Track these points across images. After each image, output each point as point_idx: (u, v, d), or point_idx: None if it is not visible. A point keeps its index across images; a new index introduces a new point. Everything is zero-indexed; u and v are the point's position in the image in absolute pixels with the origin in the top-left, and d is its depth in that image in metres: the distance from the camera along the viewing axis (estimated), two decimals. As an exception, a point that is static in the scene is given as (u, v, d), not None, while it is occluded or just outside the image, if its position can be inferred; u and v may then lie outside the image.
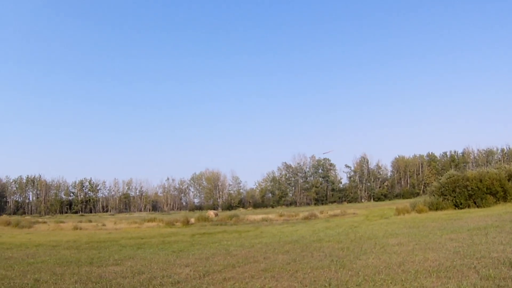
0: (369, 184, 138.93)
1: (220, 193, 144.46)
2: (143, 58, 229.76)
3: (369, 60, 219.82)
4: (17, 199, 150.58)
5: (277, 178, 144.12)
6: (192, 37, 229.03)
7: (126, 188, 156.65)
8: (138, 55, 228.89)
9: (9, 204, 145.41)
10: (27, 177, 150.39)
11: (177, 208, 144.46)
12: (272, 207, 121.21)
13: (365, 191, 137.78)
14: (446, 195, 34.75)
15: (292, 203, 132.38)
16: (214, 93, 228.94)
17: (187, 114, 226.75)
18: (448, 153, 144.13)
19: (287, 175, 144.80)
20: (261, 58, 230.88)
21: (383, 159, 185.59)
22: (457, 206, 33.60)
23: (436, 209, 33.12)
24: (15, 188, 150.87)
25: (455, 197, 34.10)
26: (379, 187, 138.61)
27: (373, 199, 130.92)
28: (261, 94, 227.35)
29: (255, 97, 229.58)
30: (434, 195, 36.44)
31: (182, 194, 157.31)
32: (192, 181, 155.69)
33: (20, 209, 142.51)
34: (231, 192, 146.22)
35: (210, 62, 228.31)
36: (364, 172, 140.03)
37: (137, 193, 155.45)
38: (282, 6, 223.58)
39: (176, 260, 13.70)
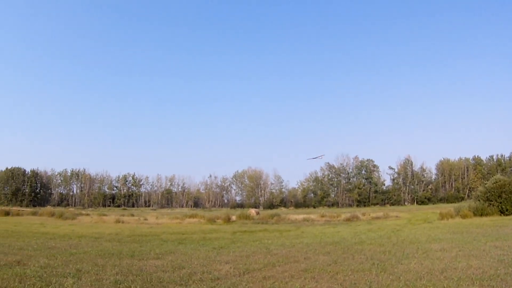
0: (412, 187, 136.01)
1: (262, 191, 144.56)
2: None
3: (416, 60, 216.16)
4: (61, 191, 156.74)
5: (320, 178, 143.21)
6: (251, 36, 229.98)
7: (169, 184, 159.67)
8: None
9: (54, 196, 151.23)
10: (72, 171, 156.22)
11: (219, 205, 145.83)
12: (314, 207, 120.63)
13: (408, 194, 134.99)
14: (491, 201, 33.80)
15: (334, 204, 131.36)
16: (259, 92, 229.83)
17: (230, 111, 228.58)
18: (494, 157, 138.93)
19: (330, 175, 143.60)
20: (302, 56, 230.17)
21: (427, 161, 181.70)
22: (502, 212, 32.65)
23: (481, 215, 32.36)
24: (59, 181, 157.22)
25: (501, 202, 33.13)
26: (423, 190, 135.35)
27: (417, 203, 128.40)
28: (305, 94, 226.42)
29: (301, 96, 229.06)
30: (479, 200, 35.52)
31: (224, 192, 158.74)
32: (234, 179, 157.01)
33: (64, 201, 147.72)
34: (273, 191, 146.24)
35: (258, 60, 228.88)
36: (408, 175, 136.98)
37: (180, 189, 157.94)
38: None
39: (217, 256, 13.84)
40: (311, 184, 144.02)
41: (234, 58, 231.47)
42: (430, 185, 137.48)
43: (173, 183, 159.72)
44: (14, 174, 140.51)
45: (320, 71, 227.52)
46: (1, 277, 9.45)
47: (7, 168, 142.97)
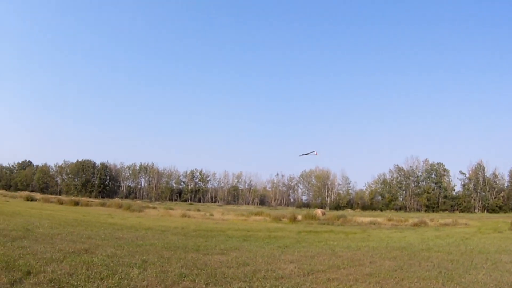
0: (483, 193, 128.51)
1: (329, 192, 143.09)
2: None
3: (490, 63, 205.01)
4: (129, 184, 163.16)
5: (388, 181, 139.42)
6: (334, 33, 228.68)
7: (236, 180, 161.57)
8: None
9: (122, 189, 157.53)
10: (141, 165, 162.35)
11: (285, 204, 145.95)
12: (381, 210, 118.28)
13: (479, 201, 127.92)
14: None
15: (402, 208, 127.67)
16: (330, 90, 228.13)
17: (300, 110, 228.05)
18: None
19: (399, 178, 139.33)
20: (372, 56, 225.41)
21: (500, 167, 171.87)
22: None
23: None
24: (128, 174, 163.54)
25: None
26: (495, 198, 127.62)
27: (487, 210, 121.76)
28: (376, 93, 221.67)
29: (371, 95, 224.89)
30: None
31: (291, 191, 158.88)
32: (301, 178, 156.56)
33: (132, 193, 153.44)
34: (340, 192, 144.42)
35: (335, 57, 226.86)
36: (479, 181, 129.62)
37: (246, 186, 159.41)
38: None
39: (281, 255, 13.91)
40: (378, 186, 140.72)
41: (302, 55, 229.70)
42: (502, 192, 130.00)
43: (240, 180, 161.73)
44: (85, 166, 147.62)
45: (389, 70, 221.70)
46: (70, 264, 9.94)
47: (78, 161, 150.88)
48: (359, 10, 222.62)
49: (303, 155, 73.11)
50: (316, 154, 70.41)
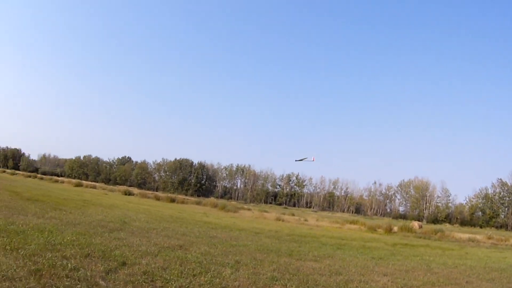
0: None
1: (427, 204, 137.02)
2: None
3: None
4: (225, 184, 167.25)
5: (490, 196, 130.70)
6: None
7: (332, 187, 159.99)
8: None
9: (218, 188, 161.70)
10: (237, 166, 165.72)
11: (380, 214, 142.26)
12: (481, 227, 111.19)
13: None
14: None
15: (503, 226, 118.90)
16: (433, 97, 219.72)
17: (401, 116, 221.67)
18: None
19: (501, 193, 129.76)
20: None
21: None
22: None
23: None
24: (225, 175, 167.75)
25: None
26: None
27: None
28: (482, 103, 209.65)
29: (477, 106, 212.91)
30: None
31: (388, 200, 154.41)
32: (399, 188, 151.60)
33: (227, 194, 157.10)
34: (439, 204, 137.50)
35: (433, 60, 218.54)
36: None
37: (342, 193, 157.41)
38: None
39: (375, 267, 13.69)
40: (480, 201, 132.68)
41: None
42: None
43: (336, 187, 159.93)
44: (182, 165, 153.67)
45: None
46: (164, 258, 10.38)
47: (176, 159, 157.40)
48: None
49: (298, 160, 72.46)
50: (313, 160, 69.68)
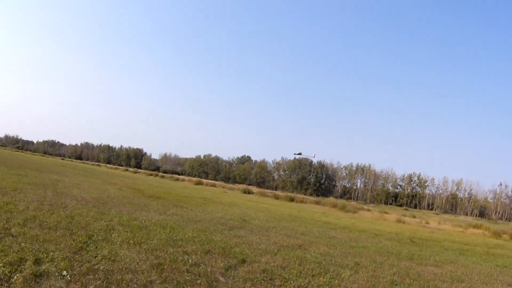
0: None
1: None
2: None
3: None
4: (345, 184, 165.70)
5: None
6: None
7: (455, 188, 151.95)
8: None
9: (337, 188, 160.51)
10: (357, 165, 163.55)
11: (506, 218, 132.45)
12: None
13: None
14: None
15: None
16: None
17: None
18: None
19: None
20: None
21: None
22: None
23: None
24: (344, 174, 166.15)
25: None
26: None
27: None
28: None
29: None
30: None
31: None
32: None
33: (346, 194, 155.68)
34: None
35: None
36: None
37: (466, 195, 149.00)
38: None
39: (499, 276, 13.00)
40: None
41: None
42: None
43: (459, 188, 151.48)
44: (302, 164, 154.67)
45: None
46: (283, 257, 10.60)
47: (295, 159, 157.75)
48: None
49: (296, 154, 69.79)
50: (314, 156, 67.00)
